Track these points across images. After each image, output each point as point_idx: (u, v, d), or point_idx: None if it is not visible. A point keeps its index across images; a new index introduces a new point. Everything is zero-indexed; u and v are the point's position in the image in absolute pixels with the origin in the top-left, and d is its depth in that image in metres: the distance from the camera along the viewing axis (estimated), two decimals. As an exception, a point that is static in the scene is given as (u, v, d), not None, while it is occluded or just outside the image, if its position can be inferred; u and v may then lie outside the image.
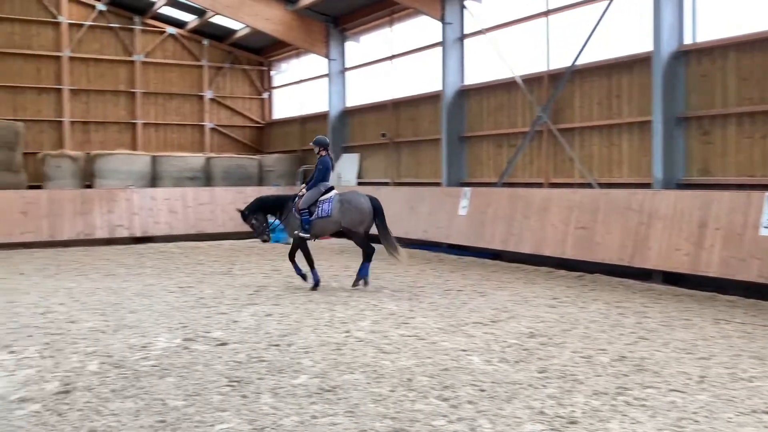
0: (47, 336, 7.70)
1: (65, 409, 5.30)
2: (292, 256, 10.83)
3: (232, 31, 24.54)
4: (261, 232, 10.98)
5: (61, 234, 17.91)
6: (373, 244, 10.71)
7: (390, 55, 19.57)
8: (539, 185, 14.64)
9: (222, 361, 6.60)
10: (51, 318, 8.73)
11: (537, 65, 14.88)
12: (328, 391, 5.66)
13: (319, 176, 10.64)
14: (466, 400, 5.44)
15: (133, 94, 24.16)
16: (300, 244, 10.68)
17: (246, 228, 11.43)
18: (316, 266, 10.86)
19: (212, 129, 25.41)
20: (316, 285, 10.59)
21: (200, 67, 25.12)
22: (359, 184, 20.03)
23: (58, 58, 23.07)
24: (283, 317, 8.60)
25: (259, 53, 25.97)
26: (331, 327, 8.03)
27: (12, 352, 7.03)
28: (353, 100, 21.31)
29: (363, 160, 20.66)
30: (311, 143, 10.85)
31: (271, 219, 11.22)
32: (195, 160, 22.70)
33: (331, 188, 10.76)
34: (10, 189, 19.07)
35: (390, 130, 19.42)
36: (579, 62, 13.74)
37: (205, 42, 25.12)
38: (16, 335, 7.76)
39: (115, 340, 7.51)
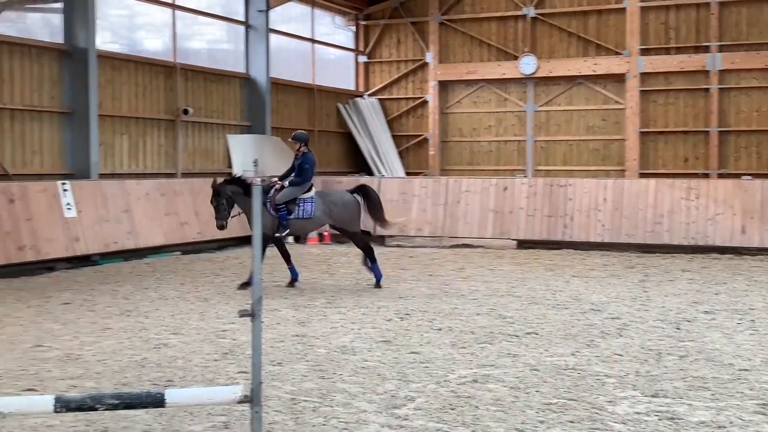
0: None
1: None
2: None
3: None
4: (221, 217, 12.34)
5: None
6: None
7: None
8: None
9: None
10: None
11: None
12: None
13: (308, 175, 12.56)
14: None
15: None
16: (266, 243, 12.14)
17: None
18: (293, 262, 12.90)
19: None
20: (293, 281, 12.80)
21: None
22: None
23: None
24: None
25: None
26: None
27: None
28: None
29: None
30: (290, 139, 12.97)
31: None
32: None
33: (311, 187, 12.76)
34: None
35: None
36: None
37: None
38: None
39: None
